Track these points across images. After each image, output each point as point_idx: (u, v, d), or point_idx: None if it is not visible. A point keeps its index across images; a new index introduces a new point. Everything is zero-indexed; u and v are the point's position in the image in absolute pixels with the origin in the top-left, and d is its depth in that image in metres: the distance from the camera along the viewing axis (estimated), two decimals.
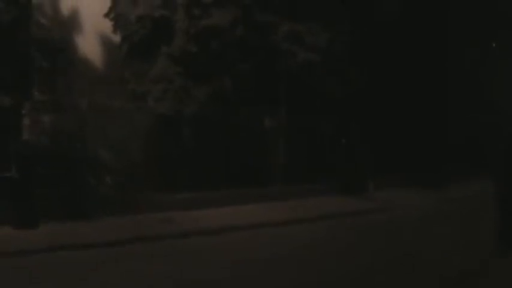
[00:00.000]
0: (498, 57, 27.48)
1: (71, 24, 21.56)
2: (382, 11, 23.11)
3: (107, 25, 22.05)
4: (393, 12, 23.28)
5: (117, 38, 22.31)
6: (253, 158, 20.52)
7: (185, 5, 20.66)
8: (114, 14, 22.09)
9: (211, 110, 20.30)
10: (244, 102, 20.74)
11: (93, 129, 18.92)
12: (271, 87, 21.31)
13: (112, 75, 22.02)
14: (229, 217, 17.02)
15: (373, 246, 13.06)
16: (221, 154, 19.97)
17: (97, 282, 10.19)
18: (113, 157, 18.71)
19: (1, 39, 17.49)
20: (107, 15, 22.07)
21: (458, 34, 25.25)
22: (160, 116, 20.23)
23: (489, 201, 12.21)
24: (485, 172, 23.87)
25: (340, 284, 9.79)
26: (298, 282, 9.88)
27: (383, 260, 11.49)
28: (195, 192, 18.66)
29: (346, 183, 21.65)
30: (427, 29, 24.22)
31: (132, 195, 17.95)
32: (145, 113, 20.37)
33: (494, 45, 26.10)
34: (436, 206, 19.48)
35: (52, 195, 16.29)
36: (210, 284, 9.93)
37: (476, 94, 26.91)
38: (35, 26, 19.45)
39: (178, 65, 20.79)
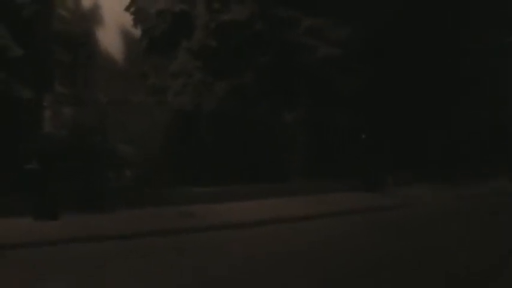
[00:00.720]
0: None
1: (91, 18, 21.60)
2: (397, 8, 22.95)
3: (127, 19, 22.10)
4: (408, 8, 23.13)
5: (137, 32, 22.35)
6: (273, 152, 20.46)
7: (205, 0, 20.63)
8: (135, 8, 22.13)
9: (230, 105, 20.25)
10: (263, 97, 20.68)
11: (113, 123, 18.99)
12: (291, 82, 21.22)
13: (132, 70, 22.05)
14: (250, 211, 16.98)
15: (391, 243, 12.92)
16: (240, 148, 19.93)
17: (114, 274, 10.18)
18: (133, 151, 18.76)
19: (23, 34, 17.56)
20: (127, 9, 22.11)
21: (473, 29, 24.97)
22: (180, 111, 20.24)
23: (508, 198, 12.06)
24: (504, 169, 23.83)
25: (352, 279, 9.71)
26: (313, 277, 9.83)
27: (399, 257, 11.36)
28: (215, 186, 18.65)
29: (366, 179, 21.52)
30: (443, 24, 24.00)
31: (151, 188, 17.99)
32: (164, 108, 20.39)
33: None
34: (454, 203, 19.31)
35: (72, 187, 16.38)
36: (229, 277, 9.89)
37: (495, 90, 26.59)
38: (57, 19, 19.51)
39: (198, 59, 20.77)
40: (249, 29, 20.59)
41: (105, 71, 21.19)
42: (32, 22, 17.90)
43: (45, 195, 15.64)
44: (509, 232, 13.15)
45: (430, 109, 23.82)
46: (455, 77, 24.32)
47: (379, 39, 22.50)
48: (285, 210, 17.20)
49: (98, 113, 19.30)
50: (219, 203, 17.91)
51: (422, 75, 23.43)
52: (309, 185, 20.37)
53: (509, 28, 25.81)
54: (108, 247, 12.75)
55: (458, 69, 24.37)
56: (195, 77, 20.77)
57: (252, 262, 11.02)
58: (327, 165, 21.06)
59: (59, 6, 19.70)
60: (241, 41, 20.70)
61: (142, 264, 10.98)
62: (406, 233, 14.33)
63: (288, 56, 21.01)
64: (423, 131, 23.84)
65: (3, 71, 16.24)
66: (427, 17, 23.48)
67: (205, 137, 20.35)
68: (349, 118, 22.16)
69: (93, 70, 20.96)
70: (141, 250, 12.46)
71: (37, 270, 10.57)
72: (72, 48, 20.00)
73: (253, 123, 20.59)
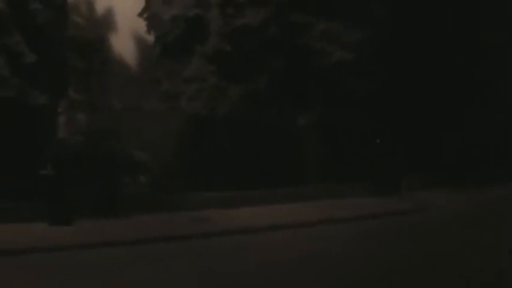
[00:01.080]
0: None
1: (105, 24, 21.73)
2: (411, 10, 22.86)
3: (140, 25, 22.15)
4: (423, 10, 23.01)
5: (151, 38, 22.40)
6: (286, 157, 20.40)
7: (219, 4, 20.63)
8: (148, 13, 22.19)
9: (244, 110, 20.24)
10: (277, 102, 20.65)
11: (127, 129, 19.04)
12: (304, 86, 21.16)
13: (145, 76, 22.13)
14: (264, 216, 16.93)
15: (404, 247, 12.81)
16: (254, 153, 19.89)
17: (127, 280, 10.18)
18: (147, 156, 18.79)
19: (37, 40, 17.68)
20: (140, 15, 22.18)
21: (487, 30, 24.79)
22: (194, 116, 20.26)
23: None
24: None
25: (365, 284, 9.65)
26: (326, 282, 9.78)
27: (413, 261, 11.27)
28: (228, 191, 18.63)
29: (381, 183, 21.39)
30: (456, 27, 23.84)
31: (166, 194, 18.02)
32: (178, 114, 20.42)
33: None
34: (469, 207, 19.12)
35: (86, 193, 16.44)
36: (242, 283, 9.85)
37: (510, 94, 26.34)
38: (71, 25, 19.62)
39: (211, 64, 20.76)
40: (262, 34, 20.56)
41: (119, 77, 21.30)
42: (46, 28, 18.01)
43: (59, 201, 15.71)
44: None
45: (444, 112, 23.63)
46: (469, 80, 24.14)
47: (393, 42, 22.38)
48: (298, 215, 17.13)
49: (112, 119, 19.37)
50: (232, 208, 17.88)
51: (436, 78, 23.27)
52: (322, 189, 20.28)
53: None
54: (121, 253, 12.78)
55: (472, 72, 24.19)
56: (209, 82, 20.76)
57: (266, 267, 10.97)
58: (341, 169, 20.95)
59: (72, 12, 19.80)
60: (255, 46, 20.67)
61: (155, 270, 10.99)
62: (420, 237, 14.24)
63: (302, 60, 20.95)
64: (437, 135, 23.64)
65: (17, 77, 16.33)
66: (441, 19, 23.34)
67: (218, 142, 20.34)
68: (363, 122, 22.05)
69: (107, 76, 21.06)
70: (154, 256, 12.47)
71: (49, 275, 10.62)
72: (86, 54, 20.11)
73: (267, 127, 20.55)
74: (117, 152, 17.84)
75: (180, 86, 21.18)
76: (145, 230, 14.97)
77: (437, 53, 23.16)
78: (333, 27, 20.69)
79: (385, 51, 22.02)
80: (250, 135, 20.33)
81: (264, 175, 19.40)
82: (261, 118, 20.41)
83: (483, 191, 21.61)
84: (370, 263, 11.28)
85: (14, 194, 15.40)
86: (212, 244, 13.77)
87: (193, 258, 12.10)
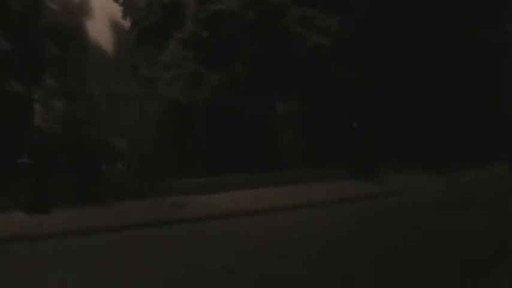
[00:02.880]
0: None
1: (81, 10, 21.48)
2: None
3: (116, 10, 21.95)
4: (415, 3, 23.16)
5: (127, 24, 22.22)
6: (266, 141, 20.45)
7: None
8: None
9: (223, 95, 20.23)
10: (256, 87, 20.66)
11: (105, 116, 18.96)
12: (283, 72, 21.19)
13: (123, 61, 21.95)
14: (242, 202, 16.98)
15: (380, 233, 12.92)
16: (233, 139, 19.91)
17: (105, 268, 10.19)
18: (125, 143, 18.75)
19: (13, 27, 17.51)
20: (116, 0, 21.98)
21: (477, 20, 24.92)
22: (172, 102, 20.21)
23: (501, 186, 12.01)
24: (497, 158, 23.82)
25: (348, 270, 9.73)
26: (309, 267, 9.82)
27: (387, 247, 11.35)
28: (209, 177, 18.66)
29: (359, 167, 21.54)
30: (445, 14, 23.96)
31: (144, 180, 18.01)
32: (157, 99, 20.35)
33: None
34: (447, 190, 19.34)
35: (64, 181, 16.39)
36: (221, 269, 9.90)
37: (492, 81, 26.53)
38: (46, 12, 19.42)
39: (189, 50, 20.69)
40: (239, 19, 20.51)
41: (96, 63, 21.11)
42: (21, 16, 17.84)
43: (37, 190, 15.65)
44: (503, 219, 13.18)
45: (433, 103, 23.79)
46: (460, 72, 24.29)
47: (378, 31, 22.49)
48: (278, 200, 17.21)
49: (89, 106, 19.26)
50: (212, 194, 17.92)
51: (427, 70, 23.41)
52: (301, 174, 20.38)
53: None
54: (100, 240, 12.79)
55: (464, 66, 24.33)
56: (187, 68, 20.69)
57: (245, 253, 11.02)
58: (320, 154, 21.05)
59: None
60: (232, 31, 20.62)
61: (135, 257, 11.01)
62: (399, 219, 14.37)
63: (279, 45, 20.97)
64: (424, 124, 23.79)
65: None
66: (435, 11, 23.46)
67: (197, 127, 20.34)
68: (343, 107, 22.15)
69: (84, 63, 20.88)
70: (134, 242, 12.50)
71: (27, 265, 10.59)
72: (62, 41, 19.91)
73: (246, 112, 20.56)
74: (94, 139, 17.78)
75: (158, 72, 21.08)
76: (123, 217, 14.97)
77: (430, 46, 23.35)
78: (308, 12, 20.72)
79: (369, 39, 22.11)
80: (229, 120, 20.35)
81: (242, 160, 19.44)
82: (239, 103, 20.42)
83: (463, 175, 21.82)
84: (355, 245, 11.35)
85: None
86: (191, 230, 13.82)
87: (172, 244, 12.11)
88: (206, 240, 12.55)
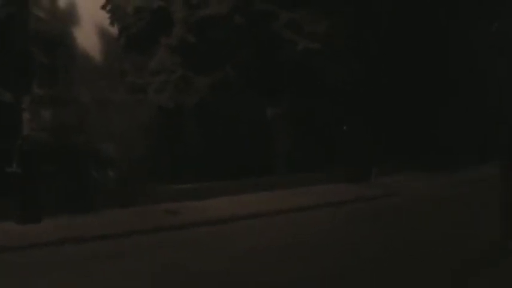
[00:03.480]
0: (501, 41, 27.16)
1: (68, 17, 21.35)
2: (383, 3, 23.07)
3: (104, 17, 21.84)
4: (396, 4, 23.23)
5: (115, 30, 22.12)
6: (257, 147, 20.42)
7: None
8: (111, 6, 21.88)
9: (213, 100, 20.18)
10: (246, 92, 20.63)
11: (94, 123, 18.84)
12: (273, 76, 21.18)
13: (111, 68, 21.85)
14: (234, 207, 16.94)
15: (374, 234, 12.92)
16: (224, 144, 19.87)
17: (100, 276, 10.10)
18: (115, 150, 18.63)
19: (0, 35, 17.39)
20: (103, 7, 21.87)
21: (462, 18, 25.04)
22: (162, 108, 20.15)
23: (493, 186, 12.02)
24: (490, 158, 23.91)
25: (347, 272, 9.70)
26: (300, 272, 9.79)
27: (382, 248, 11.35)
28: (199, 183, 18.59)
29: (350, 170, 21.53)
30: (431, 14, 24.06)
31: (135, 187, 17.90)
32: (146, 106, 20.27)
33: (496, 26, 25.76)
34: (441, 191, 19.39)
35: (55, 189, 16.25)
36: (216, 274, 9.85)
37: (482, 78, 26.63)
38: (33, 20, 19.28)
39: (178, 55, 20.64)
40: (228, 24, 20.49)
41: (85, 70, 21.00)
42: (8, 24, 17.71)
43: (27, 198, 15.49)
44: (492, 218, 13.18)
45: (420, 105, 23.88)
46: (445, 74, 24.40)
47: (364, 34, 22.55)
48: (271, 204, 17.19)
49: (78, 113, 19.12)
50: (203, 199, 17.85)
51: (414, 63, 23.50)
52: (293, 178, 20.36)
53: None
54: (93, 247, 12.69)
55: (449, 67, 24.46)
56: (176, 74, 20.61)
57: (239, 258, 10.99)
58: (312, 157, 21.06)
59: (34, 6, 19.45)
60: (221, 36, 20.59)
61: (129, 263, 10.94)
62: (392, 220, 14.39)
63: (269, 49, 20.97)
64: (413, 121, 23.87)
65: None
66: (419, 17, 23.57)
67: (189, 133, 20.27)
68: (334, 111, 22.18)
69: (73, 70, 20.76)
70: (126, 249, 12.42)
71: (17, 274, 10.48)
72: (49, 48, 19.78)
73: (236, 117, 20.54)
74: (84, 146, 17.67)
75: (147, 78, 21.01)
76: (114, 225, 14.88)
77: (424, 45, 23.53)
78: (296, 16, 20.75)
79: (357, 41, 22.17)
80: (220, 125, 20.32)
81: (234, 166, 19.37)
82: (229, 108, 20.39)
83: (456, 175, 21.90)
84: (349, 248, 11.36)
85: None
86: (182, 236, 13.76)
87: (165, 250, 12.07)
88: (199, 245, 12.52)
